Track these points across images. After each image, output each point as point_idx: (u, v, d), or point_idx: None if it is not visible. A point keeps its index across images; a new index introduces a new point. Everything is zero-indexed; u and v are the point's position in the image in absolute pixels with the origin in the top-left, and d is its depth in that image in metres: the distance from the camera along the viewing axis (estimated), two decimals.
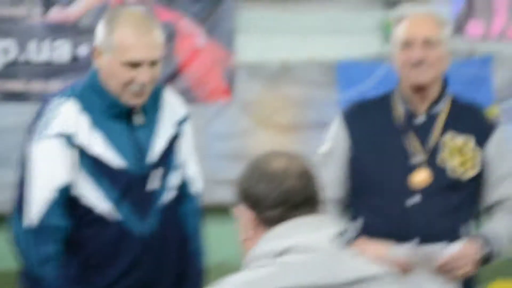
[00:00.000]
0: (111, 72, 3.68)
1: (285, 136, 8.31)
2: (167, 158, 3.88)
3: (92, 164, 3.69)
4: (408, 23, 4.00)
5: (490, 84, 8.43)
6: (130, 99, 3.70)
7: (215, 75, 8.23)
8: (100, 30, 3.74)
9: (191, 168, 4.02)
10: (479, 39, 8.65)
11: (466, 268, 3.80)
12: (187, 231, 4.02)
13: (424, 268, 3.88)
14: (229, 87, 8.30)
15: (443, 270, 3.82)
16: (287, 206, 2.50)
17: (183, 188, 4.02)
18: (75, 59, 8.05)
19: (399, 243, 3.89)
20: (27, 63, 7.98)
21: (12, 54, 7.96)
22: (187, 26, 8.29)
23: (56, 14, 8.01)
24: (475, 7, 8.66)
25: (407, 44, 3.93)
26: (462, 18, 8.57)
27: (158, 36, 3.76)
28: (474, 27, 8.67)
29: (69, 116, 3.68)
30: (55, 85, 7.98)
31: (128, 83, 3.65)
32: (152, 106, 3.87)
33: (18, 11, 7.95)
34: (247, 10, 8.41)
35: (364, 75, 8.24)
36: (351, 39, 8.41)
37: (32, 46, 7.98)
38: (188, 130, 4.05)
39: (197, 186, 4.04)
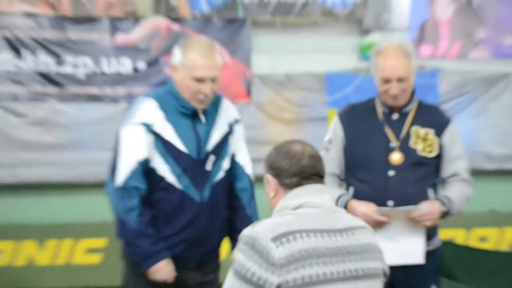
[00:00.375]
0: (183, 84, 3.95)
1: (289, 127, 8.91)
2: (220, 148, 4.10)
3: (163, 147, 3.94)
4: (385, 61, 4.18)
5: (437, 90, 9.12)
6: (196, 104, 3.96)
7: (237, 83, 8.86)
8: (176, 53, 4.01)
9: (242, 156, 4.23)
10: (428, 58, 9.31)
11: (433, 220, 4.12)
12: (243, 201, 4.22)
13: (401, 221, 4.12)
14: (247, 92, 8.97)
15: (417, 221, 4.11)
16: (302, 176, 2.86)
17: (238, 170, 4.24)
18: (135, 70, 8.78)
19: (381, 204, 4.14)
20: (101, 73, 8.72)
21: (89, 68, 8.71)
22: (217, 47, 9.20)
23: (121, 38, 8.73)
24: (425, 35, 9.35)
25: (386, 81, 4.15)
26: (416, 42, 9.20)
27: (218, 59, 4.04)
28: (425, 49, 9.33)
29: (148, 111, 3.94)
30: (121, 90, 8.81)
31: (195, 93, 3.92)
32: (212, 109, 4.10)
33: (93, 36, 8.69)
34: (259, 36, 9.07)
35: (345, 83, 8.89)
36: (336, 57, 9.02)
37: (103, 61, 8.72)
38: (239, 129, 4.27)
39: (248, 169, 4.24)
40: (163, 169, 3.93)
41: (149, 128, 3.89)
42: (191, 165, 3.96)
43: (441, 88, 9.22)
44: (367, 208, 4.08)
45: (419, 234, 4.14)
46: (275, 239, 2.66)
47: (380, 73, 4.15)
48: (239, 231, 3.93)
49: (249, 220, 4.03)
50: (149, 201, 3.96)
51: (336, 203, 4.13)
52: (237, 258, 2.75)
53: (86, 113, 8.74)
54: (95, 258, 8.74)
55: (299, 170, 2.83)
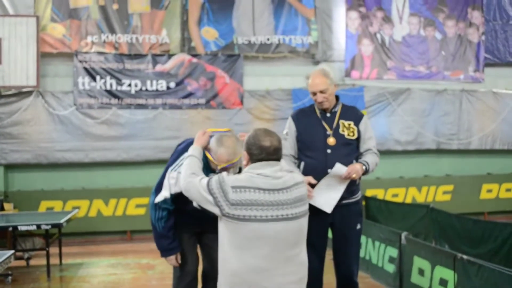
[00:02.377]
0: (217, 159, 3.60)
1: (268, 124, 9.52)
2: None
3: None
4: (312, 81, 4.14)
5: (363, 99, 9.87)
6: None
7: (234, 96, 9.60)
8: (213, 144, 3.58)
9: None
10: (357, 79, 10.05)
11: (357, 174, 4.04)
12: None
13: (330, 182, 4.05)
14: (241, 101, 9.67)
15: (347, 174, 4.02)
16: (265, 159, 2.97)
17: None
18: (168, 88, 9.45)
19: (322, 172, 4.05)
20: (146, 90, 9.41)
21: (138, 87, 9.40)
22: (221, 73, 9.51)
23: (159, 67, 9.42)
24: (355, 64, 10.10)
25: (313, 93, 4.17)
26: (349, 69, 10.01)
27: (239, 150, 3.49)
28: (355, 73, 10.08)
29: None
30: (159, 101, 9.43)
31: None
32: None
33: (141, 66, 9.39)
34: (248, 65, 9.81)
35: (304, 96, 9.57)
36: (298, 79, 9.62)
37: (147, 82, 9.41)
38: None
39: None
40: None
41: None
42: None
43: (366, 98, 10.01)
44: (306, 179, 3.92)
45: (337, 194, 4.10)
46: (234, 187, 2.87)
47: (310, 89, 4.18)
48: None
49: None
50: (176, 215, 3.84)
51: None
52: (212, 179, 2.91)
53: (136, 116, 9.44)
54: (141, 211, 9.35)
55: (265, 158, 2.97)
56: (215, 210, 2.90)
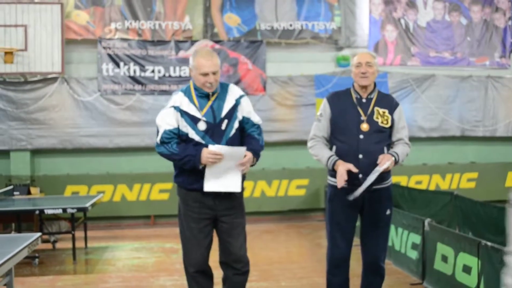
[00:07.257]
0: (196, 78, 3.96)
1: (290, 110, 9.65)
2: (231, 115, 4.06)
3: (189, 119, 3.97)
4: (359, 56, 4.25)
5: (387, 85, 9.81)
6: (207, 90, 3.96)
7: (257, 82, 9.63)
8: (190, 60, 4.03)
9: (255, 118, 4.15)
10: (381, 65, 9.77)
11: (389, 164, 4.08)
12: (254, 134, 4.13)
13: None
14: (264, 87, 9.70)
15: (379, 164, 4.06)
16: None
17: (253, 125, 4.15)
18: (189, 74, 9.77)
19: (354, 157, 4.14)
20: (169, 76, 9.49)
21: (161, 73, 9.47)
22: (243, 59, 9.53)
23: (182, 54, 9.46)
24: (378, 50, 10.03)
25: (359, 64, 4.20)
26: None
27: (216, 60, 3.95)
28: (378, 59, 8.78)
29: (177, 99, 4.01)
30: (182, 87, 9.04)
31: (204, 83, 3.94)
32: (223, 92, 4.06)
33: (164, 52, 9.42)
34: (271, 52, 9.80)
35: (327, 81, 9.60)
36: (321, 64, 9.78)
37: (170, 69, 9.48)
38: (245, 101, 4.14)
39: (259, 123, 4.17)
40: (191, 133, 3.97)
41: (177, 108, 3.98)
42: (210, 127, 4.00)
43: (389, 84, 9.96)
44: (345, 166, 4.11)
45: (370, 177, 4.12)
46: None
47: (355, 62, 4.26)
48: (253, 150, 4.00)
49: (259, 148, 4.12)
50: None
51: (327, 161, 4.21)
52: None
53: (159, 102, 9.42)
54: (164, 196, 9.47)
55: None
56: None
